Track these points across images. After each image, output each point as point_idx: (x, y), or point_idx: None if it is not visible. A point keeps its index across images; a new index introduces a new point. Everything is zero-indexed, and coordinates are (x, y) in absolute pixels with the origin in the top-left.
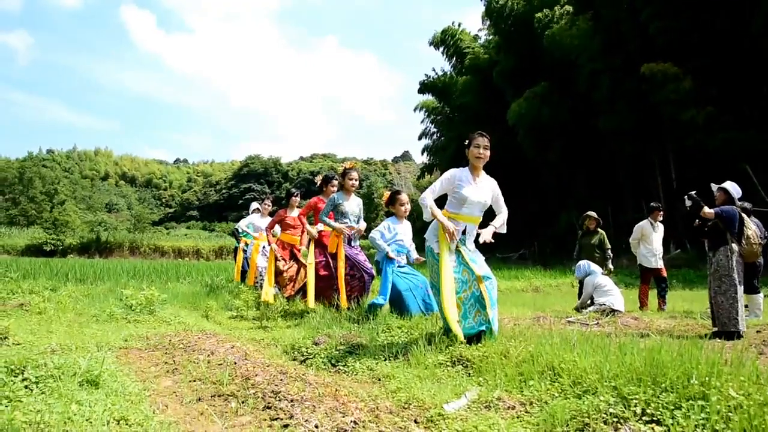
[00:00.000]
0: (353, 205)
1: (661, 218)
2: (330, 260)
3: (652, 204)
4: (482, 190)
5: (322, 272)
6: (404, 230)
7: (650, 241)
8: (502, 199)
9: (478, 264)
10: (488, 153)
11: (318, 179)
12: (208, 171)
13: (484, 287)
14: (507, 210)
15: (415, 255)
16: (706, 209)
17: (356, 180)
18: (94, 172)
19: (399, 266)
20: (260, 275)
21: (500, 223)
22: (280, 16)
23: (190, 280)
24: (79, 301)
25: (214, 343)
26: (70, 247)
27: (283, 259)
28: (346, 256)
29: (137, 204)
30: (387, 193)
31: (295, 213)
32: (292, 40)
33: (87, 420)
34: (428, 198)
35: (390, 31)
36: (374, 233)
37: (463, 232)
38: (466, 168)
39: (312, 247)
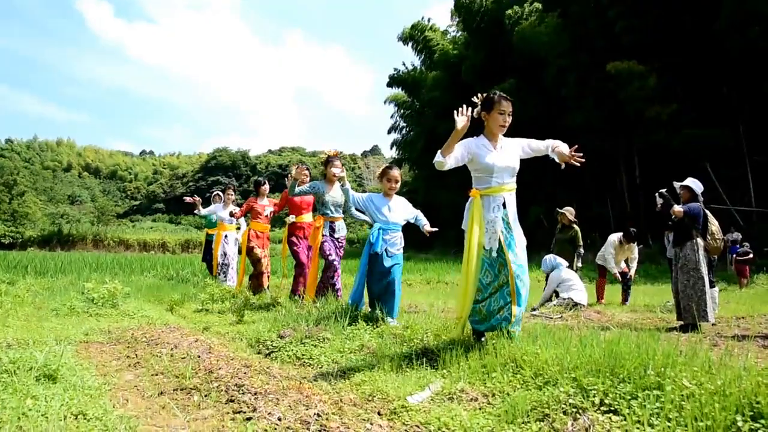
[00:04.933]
0: (336, 194)
1: (630, 242)
2: (305, 249)
3: (631, 229)
4: (506, 154)
5: (300, 259)
6: (392, 206)
7: (615, 254)
8: (533, 141)
9: (515, 252)
10: (510, 120)
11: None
12: (175, 163)
13: (514, 282)
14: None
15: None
16: (676, 208)
17: (339, 169)
18: (56, 163)
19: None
20: (223, 265)
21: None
22: (244, 7)
23: (155, 273)
24: (38, 295)
25: (177, 336)
26: (30, 240)
27: (257, 246)
28: (323, 248)
29: (101, 196)
30: (380, 169)
31: (264, 201)
32: (260, 32)
33: (43, 415)
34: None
35: (360, 22)
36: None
37: (503, 206)
38: (481, 135)
39: (285, 236)
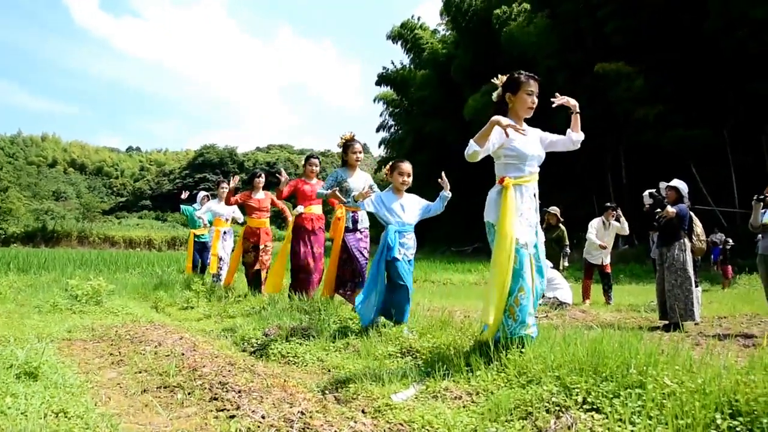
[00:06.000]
0: (359, 181)
1: (614, 218)
2: (311, 249)
3: (606, 204)
4: (533, 140)
5: (300, 262)
6: (405, 204)
7: (599, 238)
8: (549, 134)
9: (538, 249)
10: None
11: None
12: (162, 160)
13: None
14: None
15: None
16: (669, 208)
17: (360, 152)
18: (40, 159)
19: (407, 252)
20: (222, 263)
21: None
22: (232, 2)
23: (141, 271)
24: (20, 292)
25: (162, 334)
26: (14, 236)
27: (253, 245)
28: (344, 243)
29: (87, 192)
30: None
31: (260, 195)
32: (248, 28)
33: (22, 413)
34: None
35: (351, 19)
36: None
37: (534, 195)
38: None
39: (290, 229)
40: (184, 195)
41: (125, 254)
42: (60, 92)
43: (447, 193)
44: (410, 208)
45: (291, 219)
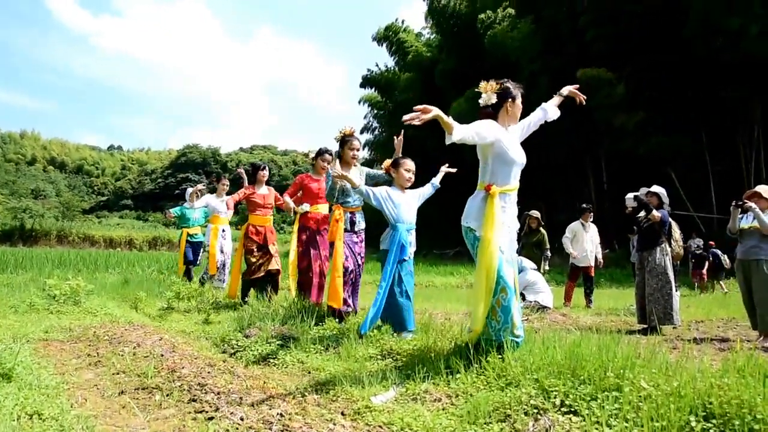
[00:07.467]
0: (355, 179)
1: (591, 219)
2: (318, 251)
3: (583, 205)
4: (518, 145)
5: (307, 265)
6: (409, 201)
7: (580, 240)
8: (525, 120)
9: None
10: None
11: (310, 153)
12: (144, 159)
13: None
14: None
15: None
16: (655, 213)
17: (358, 150)
18: (19, 156)
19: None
20: (222, 264)
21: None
22: (216, 1)
23: (121, 271)
24: None
25: (141, 334)
26: None
27: (257, 245)
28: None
29: (67, 191)
30: (389, 161)
31: (263, 190)
32: (230, 28)
33: None
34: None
35: (336, 20)
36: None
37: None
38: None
39: (296, 229)
40: (169, 214)
41: (105, 254)
42: (40, 89)
43: (438, 184)
44: (413, 206)
45: (297, 213)
